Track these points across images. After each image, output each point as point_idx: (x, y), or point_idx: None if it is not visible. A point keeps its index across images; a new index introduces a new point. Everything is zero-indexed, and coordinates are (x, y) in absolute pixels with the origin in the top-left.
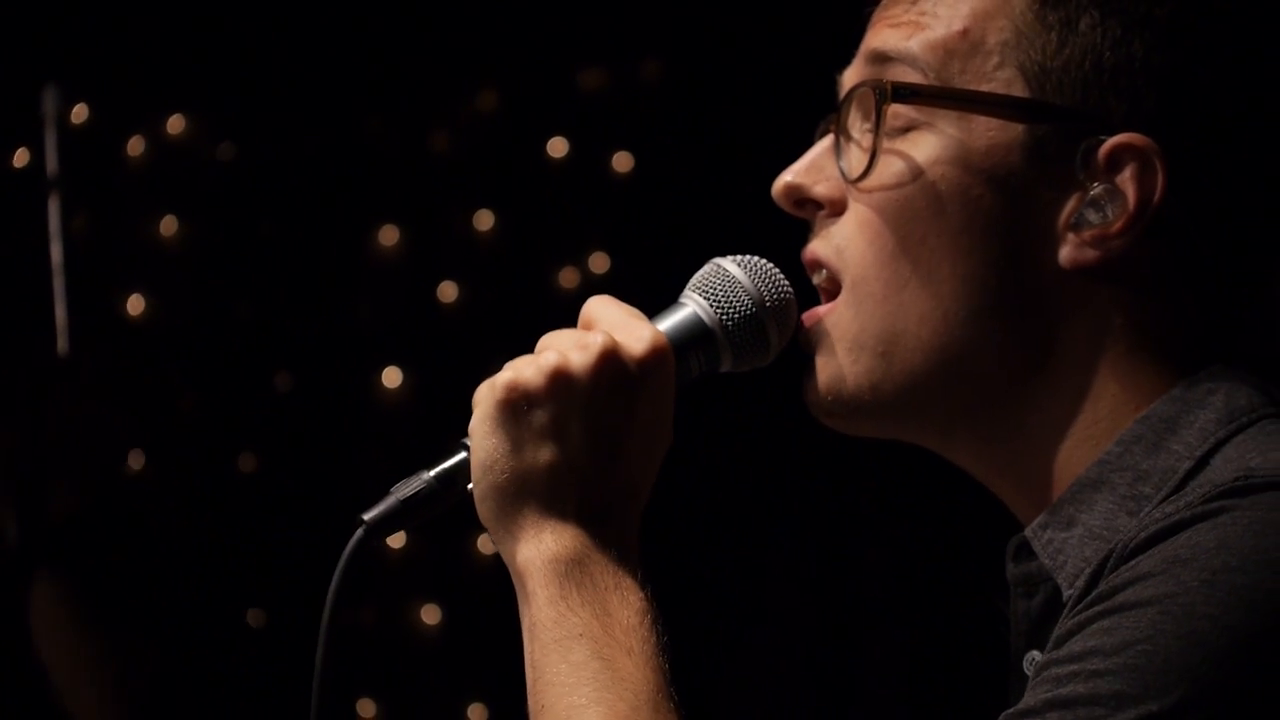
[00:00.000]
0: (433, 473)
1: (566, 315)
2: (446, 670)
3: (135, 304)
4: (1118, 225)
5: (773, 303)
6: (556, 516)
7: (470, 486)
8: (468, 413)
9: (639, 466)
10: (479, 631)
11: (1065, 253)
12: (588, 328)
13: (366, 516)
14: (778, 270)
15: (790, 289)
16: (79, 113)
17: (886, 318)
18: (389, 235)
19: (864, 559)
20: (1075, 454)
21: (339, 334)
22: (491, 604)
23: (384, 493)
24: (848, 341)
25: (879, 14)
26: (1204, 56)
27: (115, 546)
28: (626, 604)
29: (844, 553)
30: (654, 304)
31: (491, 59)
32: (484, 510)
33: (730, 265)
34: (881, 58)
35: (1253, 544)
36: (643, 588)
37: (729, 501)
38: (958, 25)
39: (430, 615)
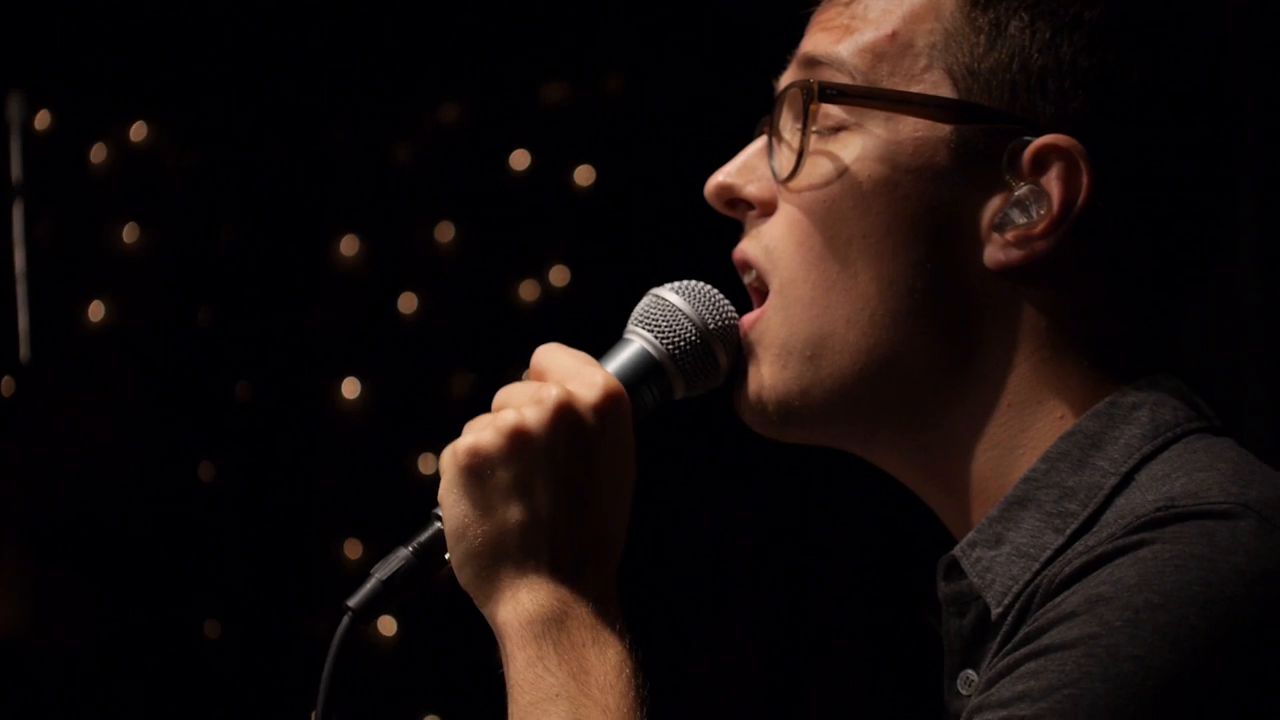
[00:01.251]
0: (409, 548)
1: (526, 328)
2: (401, 682)
3: (96, 311)
4: (1042, 226)
5: (716, 325)
6: (531, 574)
7: (448, 556)
8: (425, 423)
9: (608, 512)
10: (433, 644)
11: (990, 253)
12: (539, 378)
13: (351, 602)
14: (717, 291)
15: (732, 308)
16: (42, 119)
17: (814, 321)
18: (350, 245)
19: (812, 574)
20: (1001, 463)
21: (299, 343)
22: (446, 617)
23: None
24: (776, 348)
25: (815, 18)
26: (1133, 60)
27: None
28: (604, 660)
29: (793, 567)
30: (615, 317)
31: (455, 71)
32: (463, 577)
33: (669, 294)
34: (812, 62)
35: (1175, 579)
36: (621, 639)
37: (678, 517)
38: (887, 28)
39: (386, 627)
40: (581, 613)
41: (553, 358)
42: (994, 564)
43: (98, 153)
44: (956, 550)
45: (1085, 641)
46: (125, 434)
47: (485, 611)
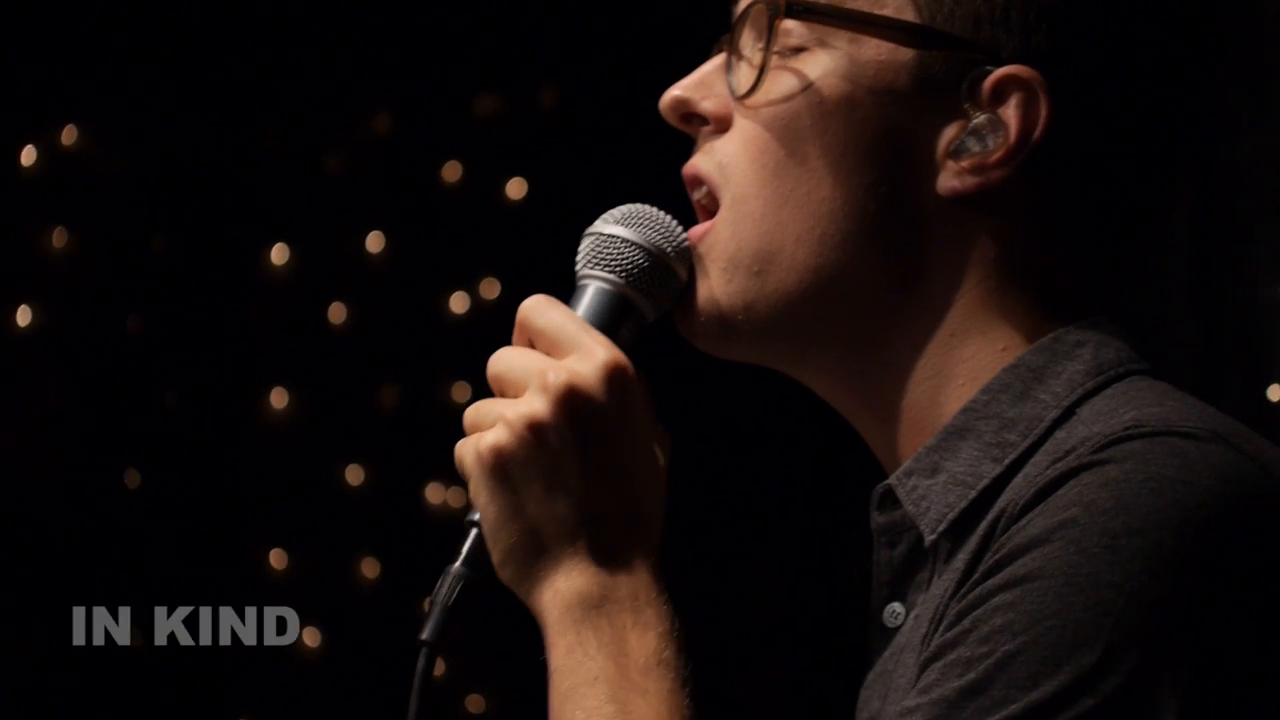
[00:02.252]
0: (459, 563)
1: (456, 339)
2: (326, 692)
3: (24, 315)
4: (997, 155)
5: (666, 243)
6: (567, 561)
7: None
8: (354, 434)
9: (639, 490)
10: (359, 653)
11: (944, 180)
12: (528, 340)
13: (425, 636)
14: (651, 208)
15: (673, 220)
16: None
17: (763, 237)
18: (280, 254)
19: (727, 512)
20: (939, 393)
21: (228, 351)
22: (371, 627)
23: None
24: (723, 262)
25: None
26: None
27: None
28: (644, 642)
29: (706, 507)
30: None
31: (387, 81)
32: (505, 575)
33: (608, 227)
34: None
35: (1150, 503)
36: (663, 620)
37: None
38: None
39: (311, 638)
40: (622, 595)
41: (543, 317)
42: (929, 492)
43: (27, 155)
44: (892, 479)
45: (1065, 572)
46: (52, 440)
47: (530, 606)
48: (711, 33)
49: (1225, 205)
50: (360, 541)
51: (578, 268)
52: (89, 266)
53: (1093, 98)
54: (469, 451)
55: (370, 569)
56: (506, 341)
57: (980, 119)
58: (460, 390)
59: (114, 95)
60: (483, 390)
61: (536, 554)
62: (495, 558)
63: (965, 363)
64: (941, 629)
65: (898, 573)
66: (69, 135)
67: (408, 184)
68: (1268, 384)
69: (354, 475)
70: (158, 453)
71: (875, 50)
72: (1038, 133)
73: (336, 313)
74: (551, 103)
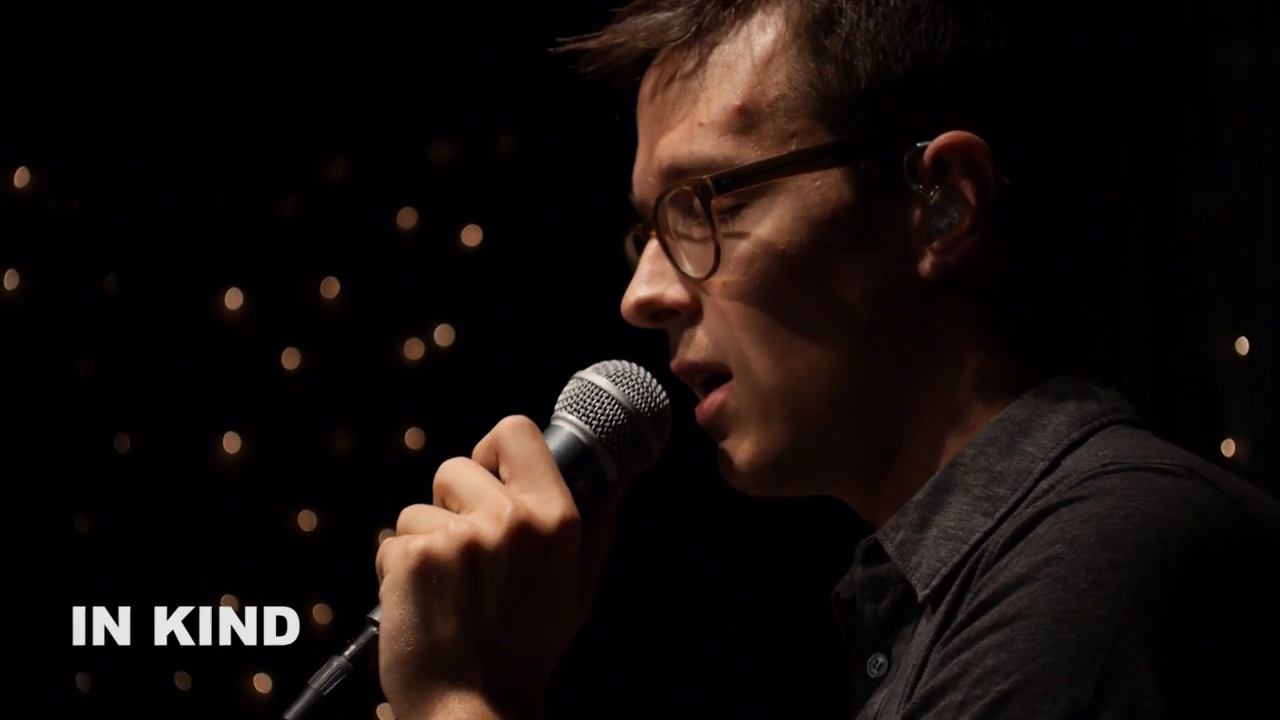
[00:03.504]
0: (345, 655)
1: (410, 386)
2: None
3: None
4: (965, 223)
5: (647, 409)
6: (464, 690)
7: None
8: (306, 480)
9: (547, 637)
10: None
11: (924, 265)
12: (493, 450)
13: (287, 716)
14: (645, 372)
15: (660, 389)
16: None
17: (782, 385)
18: (234, 299)
19: (706, 562)
20: (936, 460)
21: (181, 396)
22: None
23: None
24: (757, 417)
25: (652, 114)
26: (981, 29)
27: None
28: None
29: (686, 554)
30: (498, 378)
31: (343, 127)
32: (388, 680)
33: (598, 379)
34: (677, 172)
35: (1133, 538)
36: None
37: None
38: (734, 101)
39: (261, 684)
40: None
41: (524, 447)
42: (920, 547)
43: None
44: (879, 533)
45: (1053, 608)
46: (1, 482)
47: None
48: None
49: (1178, 260)
50: (313, 587)
51: (557, 407)
52: (40, 310)
53: (1022, 131)
54: (396, 549)
55: (322, 615)
56: (460, 389)
57: (935, 196)
58: (414, 436)
59: (66, 138)
60: (436, 436)
61: (431, 672)
62: (384, 661)
63: (959, 427)
64: (925, 675)
65: (882, 624)
66: (21, 177)
67: (362, 230)
68: (1221, 438)
69: (306, 521)
70: (108, 498)
71: (809, 180)
72: (991, 187)
73: (290, 358)
74: (507, 150)
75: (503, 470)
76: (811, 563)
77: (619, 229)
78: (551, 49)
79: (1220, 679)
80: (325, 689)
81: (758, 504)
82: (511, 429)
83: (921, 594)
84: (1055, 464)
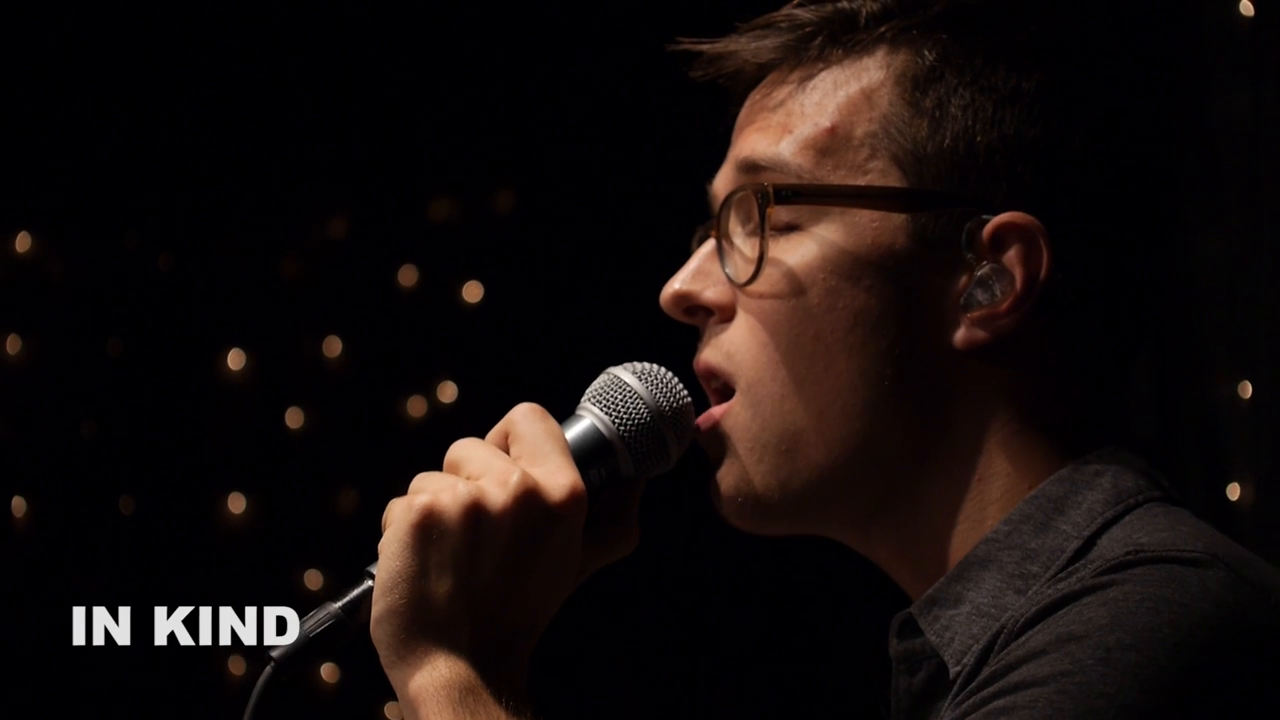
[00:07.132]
0: (339, 604)
1: (413, 444)
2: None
3: None
4: (1006, 304)
5: (670, 410)
6: (450, 647)
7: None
8: (310, 539)
9: (538, 605)
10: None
11: (957, 334)
12: (506, 441)
13: (275, 654)
14: (673, 376)
15: (686, 394)
16: None
17: (786, 417)
18: (237, 359)
19: (743, 628)
20: (970, 535)
21: (185, 457)
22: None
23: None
24: (750, 443)
25: (746, 117)
26: (1076, 128)
27: None
28: None
29: (723, 624)
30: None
31: (343, 185)
32: (379, 632)
33: (625, 375)
34: (753, 166)
35: (1146, 621)
36: (537, 716)
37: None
38: (825, 122)
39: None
40: (497, 690)
41: (530, 427)
42: (953, 623)
43: None
44: (913, 608)
45: (1058, 678)
46: (7, 548)
47: (394, 674)
48: (660, 141)
49: (1180, 305)
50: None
51: (583, 399)
52: (43, 374)
53: (1087, 230)
54: (400, 504)
55: (329, 673)
56: None
57: (984, 269)
58: None
59: (68, 201)
60: None
61: (421, 626)
62: (376, 611)
63: (995, 503)
64: None
65: (916, 699)
66: (23, 242)
67: (364, 288)
68: (1226, 482)
69: (312, 580)
70: (115, 561)
71: (868, 220)
72: (1042, 276)
73: (294, 417)
74: (507, 206)
75: (513, 449)
76: (822, 568)
77: (619, 283)
78: (669, 45)
79: None
80: (312, 631)
81: None
82: (524, 413)
83: (953, 670)
84: (1090, 542)
